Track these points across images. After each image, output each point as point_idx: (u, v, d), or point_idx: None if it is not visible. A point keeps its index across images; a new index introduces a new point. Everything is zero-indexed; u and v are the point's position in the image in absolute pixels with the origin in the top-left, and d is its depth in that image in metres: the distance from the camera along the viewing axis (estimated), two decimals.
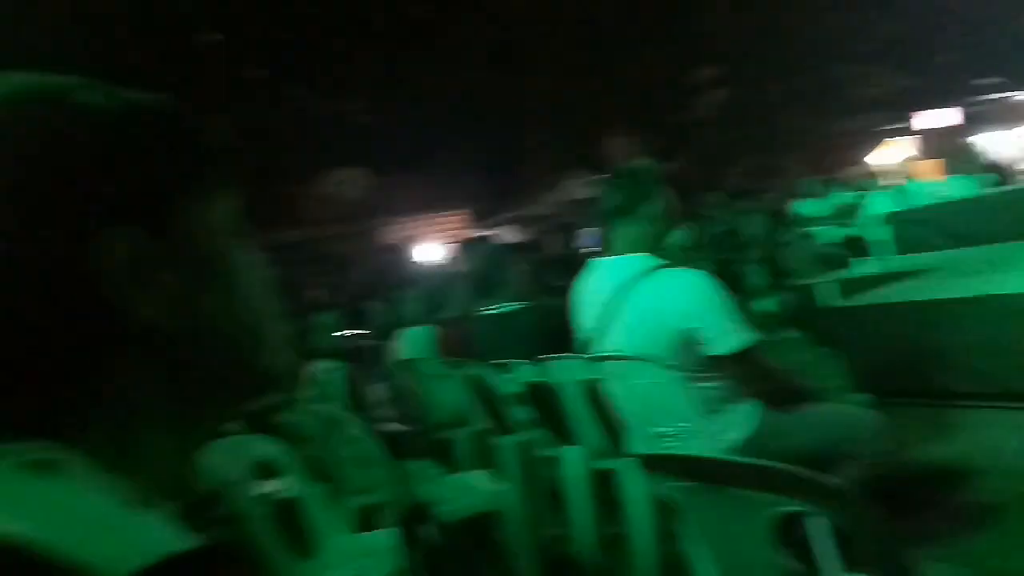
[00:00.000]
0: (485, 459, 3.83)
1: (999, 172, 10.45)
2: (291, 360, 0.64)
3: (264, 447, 2.71)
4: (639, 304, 2.28)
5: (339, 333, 4.25)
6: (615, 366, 2.38)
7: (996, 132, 15.65)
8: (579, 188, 15.99)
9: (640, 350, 2.26)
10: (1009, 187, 8.81)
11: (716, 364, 2.22)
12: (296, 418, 3.36)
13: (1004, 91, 17.98)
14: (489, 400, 3.58)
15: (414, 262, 9.26)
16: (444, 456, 4.10)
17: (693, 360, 2.22)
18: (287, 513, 2.59)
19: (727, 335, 2.17)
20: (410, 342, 4.59)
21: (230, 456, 2.37)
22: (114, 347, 0.50)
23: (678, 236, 2.50)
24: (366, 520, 2.79)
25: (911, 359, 4.15)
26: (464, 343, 3.88)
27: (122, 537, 0.43)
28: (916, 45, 17.21)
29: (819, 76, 16.77)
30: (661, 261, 2.33)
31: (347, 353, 3.45)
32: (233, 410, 0.62)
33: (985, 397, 3.90)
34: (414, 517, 1.81)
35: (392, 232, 15.46)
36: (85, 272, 0.48)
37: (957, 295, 4.26)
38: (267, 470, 2.73)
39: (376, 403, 2.40)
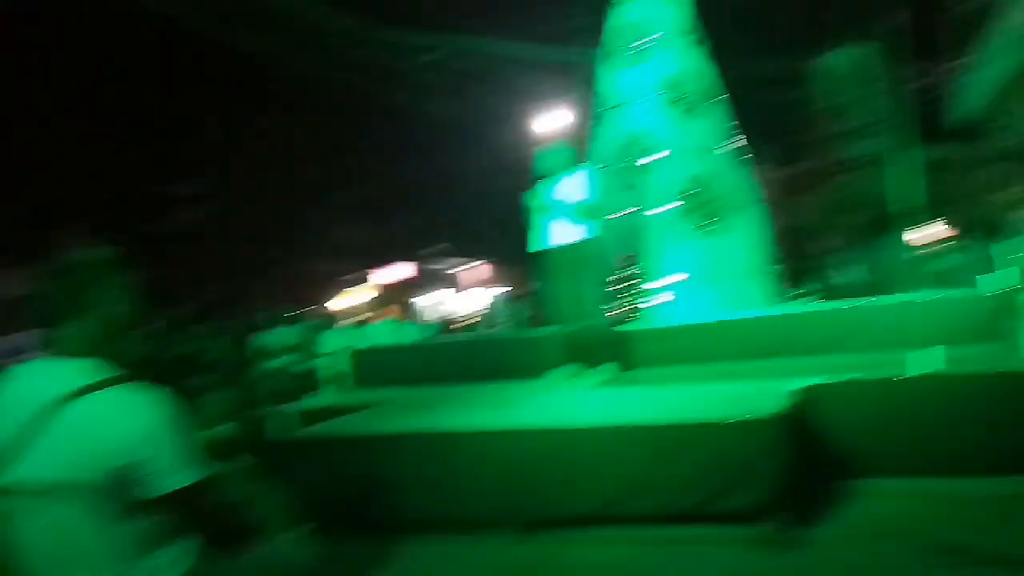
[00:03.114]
0: None
1: (436, 323, 12.18)
2: None
3: None
4: (71, 422, 1.88)
5: None
6: (22, 498, 1.90)
7: (440, 290, 18.43)
8: (18, 284, 13.68)
9: (60, 479, 1.85)
10: (454, 338, 10.26)
11: (155, 502, 1.93)
12: None
13: (450, 256, 21.44)
14: None
15: None
16: None
17: (126, 495, 1.90)
18: None
19: (171, 472, 1.93)
20: None
21: None
22: None
23: (133, 346, 2.17)
24: None
25: (357, 491, 4.29)
26: None
27: None
28: (384, 208, 19.55)
29: (296, 217, 17.73)
30: (108, 373, 1.98)
31: None
32: None
33: (423, 529, 4.18)
34: None
35: None
36: None
37: (403, 430, 4.51)
38: None
39: None
